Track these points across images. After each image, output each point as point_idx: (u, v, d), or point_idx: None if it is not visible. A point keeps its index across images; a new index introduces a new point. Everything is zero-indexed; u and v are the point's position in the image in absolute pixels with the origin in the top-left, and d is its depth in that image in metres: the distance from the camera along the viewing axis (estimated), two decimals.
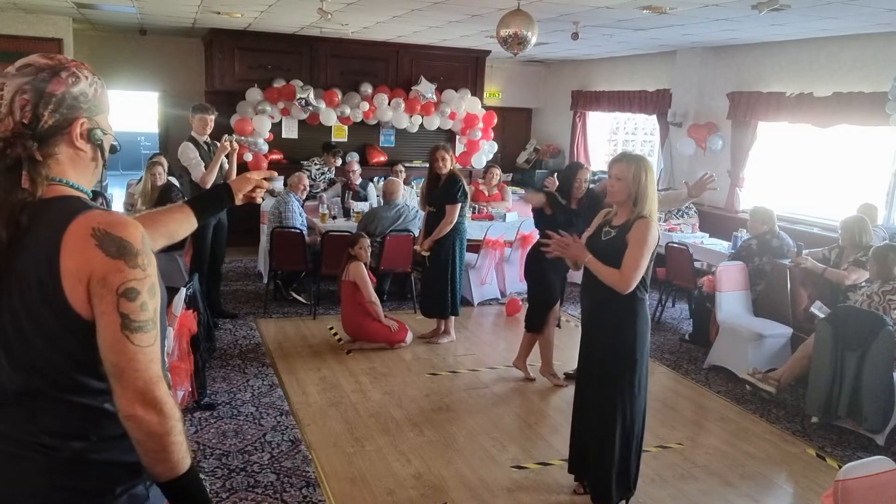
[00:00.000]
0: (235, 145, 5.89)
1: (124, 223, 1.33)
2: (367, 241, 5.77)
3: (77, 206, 1.36)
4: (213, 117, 5.93)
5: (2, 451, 1.38)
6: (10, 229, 1.31)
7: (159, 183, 6.61)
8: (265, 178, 2.03)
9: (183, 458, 1.37)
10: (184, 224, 1.84)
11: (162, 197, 6.51)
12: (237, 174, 6.09)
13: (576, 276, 4.05)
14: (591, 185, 5.15)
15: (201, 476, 3.50)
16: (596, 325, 3.41)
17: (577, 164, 5.13)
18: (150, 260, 1.35)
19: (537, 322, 5.09)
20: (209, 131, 5.92)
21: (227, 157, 5.83)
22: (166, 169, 7.04)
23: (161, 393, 1.34)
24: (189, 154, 5.75)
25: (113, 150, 1.52)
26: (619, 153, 3.45)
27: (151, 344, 1.34)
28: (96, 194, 6.77)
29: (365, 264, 5.69)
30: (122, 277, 1.30)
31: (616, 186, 3.24)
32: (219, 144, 5.75)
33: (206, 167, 5.71)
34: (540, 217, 4.94)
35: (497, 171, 8.57)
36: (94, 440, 1.38)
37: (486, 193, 8.33)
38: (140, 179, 8.50)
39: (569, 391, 4.78)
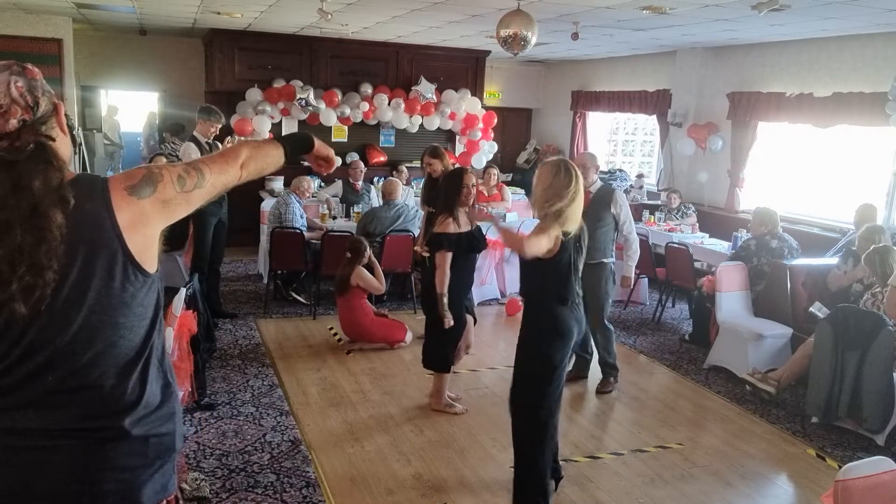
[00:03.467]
0: None
1: (136, 171, 1.49)
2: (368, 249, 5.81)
3: (94, 177, 1.46)
4: (219, 125, 5.95)
5: (39, 446, 1.39)
6: (62, 207, 1.35)
7: None
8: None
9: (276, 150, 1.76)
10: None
11: None
12: None
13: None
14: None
15: (200, 476, 3.51)
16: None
17: (460, 169, 4.61)
18: (169, 163, 1.49)
19: (444, 361, 4.55)
20: (213, 135, 5.94)
21: None
22: None
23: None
24: (191, 154, 5.76)
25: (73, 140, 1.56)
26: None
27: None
28: None
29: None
30: (170, 177, 1.49)
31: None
32: (220, 146, 5.77)
33: None
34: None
35: (495, 171, 8.58)
36: (133, 416, 1.45)
37: (486, 193, 8.33)
38: None
39: (568, 392, 4.79)
